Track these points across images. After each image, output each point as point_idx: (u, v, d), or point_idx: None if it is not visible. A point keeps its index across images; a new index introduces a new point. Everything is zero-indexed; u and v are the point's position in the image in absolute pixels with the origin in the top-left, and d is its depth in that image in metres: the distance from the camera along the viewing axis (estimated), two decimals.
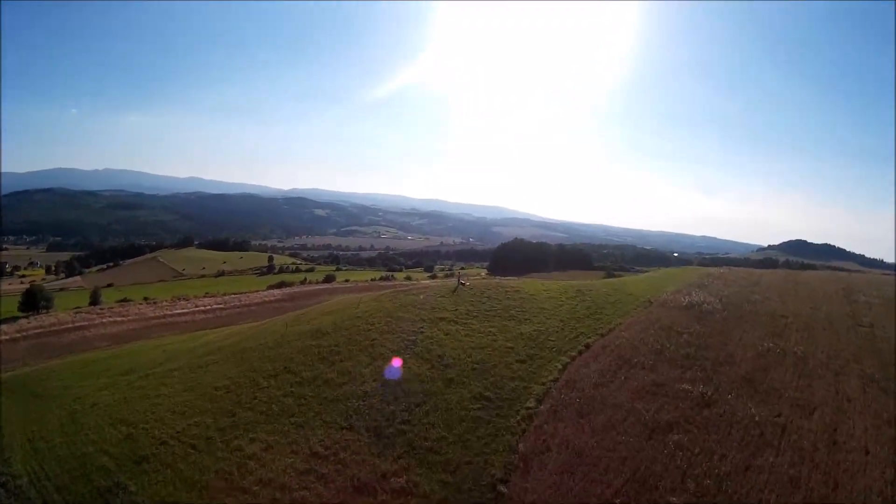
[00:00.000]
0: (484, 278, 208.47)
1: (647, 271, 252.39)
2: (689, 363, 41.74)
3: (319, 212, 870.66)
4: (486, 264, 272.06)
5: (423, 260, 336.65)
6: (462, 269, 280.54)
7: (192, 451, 34.59)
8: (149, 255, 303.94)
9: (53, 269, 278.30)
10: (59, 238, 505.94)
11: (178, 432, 37.46)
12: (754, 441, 31.49)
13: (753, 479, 28.20)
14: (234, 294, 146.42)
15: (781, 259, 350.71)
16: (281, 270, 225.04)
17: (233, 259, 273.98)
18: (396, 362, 42.18)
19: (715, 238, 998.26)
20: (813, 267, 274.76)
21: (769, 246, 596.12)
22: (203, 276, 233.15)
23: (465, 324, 48.88)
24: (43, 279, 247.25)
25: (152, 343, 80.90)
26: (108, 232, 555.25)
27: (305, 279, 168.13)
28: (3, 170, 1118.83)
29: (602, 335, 47.14)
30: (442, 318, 50.31)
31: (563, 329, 47.91)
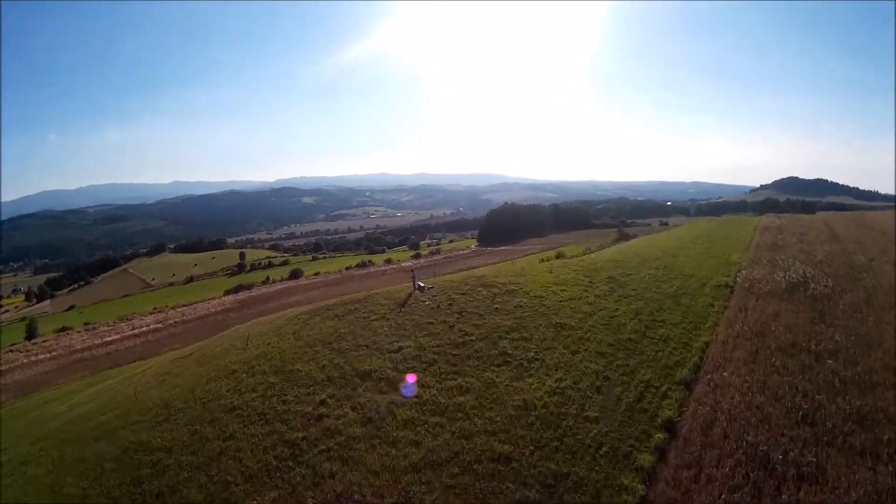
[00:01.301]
0: (473, 250, 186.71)
1: (648, 224, 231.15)
2: (872, 443, 19.02)
3: (307, 200, 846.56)
4: (476, 233, 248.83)
5: (413, 235, 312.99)
6: (452, 241, 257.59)
7: None
8: (120, 268, 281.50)
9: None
10: (46, 260, 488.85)
11: None
12: None
13: None
14: (185, 306, 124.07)
15: (782, 198, 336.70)
16: (252, 268, 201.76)
17: (205, 261, 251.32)
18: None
19: (705, 183, 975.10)
20: (812, 205, 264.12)
21: (761, 186, 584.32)
22: (172, 283, 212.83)
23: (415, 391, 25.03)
24: (16, 307, 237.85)
25: (37, 400, 61.60)
26: (96, 247, 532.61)
27: (268, 278, 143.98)
28: None
29: (686, 385, 23.34)
30: (369, 375, 26.44)
31: (611, 378, 23.95)
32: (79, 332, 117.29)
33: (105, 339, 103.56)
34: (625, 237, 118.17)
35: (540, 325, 29.95)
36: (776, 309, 32.05)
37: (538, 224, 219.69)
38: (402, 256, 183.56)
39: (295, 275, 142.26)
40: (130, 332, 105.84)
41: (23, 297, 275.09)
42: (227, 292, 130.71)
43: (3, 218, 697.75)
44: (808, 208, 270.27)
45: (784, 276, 38.70)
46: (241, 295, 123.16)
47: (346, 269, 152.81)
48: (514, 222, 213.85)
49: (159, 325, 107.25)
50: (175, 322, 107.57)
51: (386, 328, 31.40)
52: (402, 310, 34.45)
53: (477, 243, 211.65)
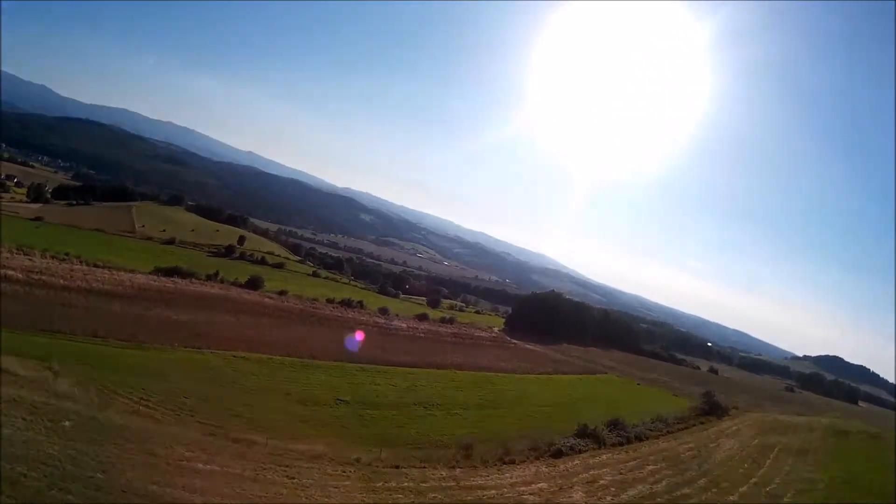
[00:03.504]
0: (494, 335, 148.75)
1: (698, 368, 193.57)
2: None
3: (364, 216, 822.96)
4: (510, 311, 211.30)
5: (445, 289, 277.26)
6: (480, 311, 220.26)
7: None
8: (126, 204, 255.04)
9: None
10: (93, 171, 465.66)
11: None
12: None
13: None
14: (97, 266, 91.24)
15: (828, 377, 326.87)
16: (242, 256, 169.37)
17: (206, 230, 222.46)
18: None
19: (748, 335, 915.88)
20: (855, 392, 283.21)
21: (804, 356, 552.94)
22: (151, 238, 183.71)
23: None
24: (12, 198, 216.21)
25: None
26: (143, 180, 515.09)
27: (217, 273, 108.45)
28: (68, 95, 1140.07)
29: None
30: None
31: None
32: None
33: None
34: (714, 407, 78.97)
35: None
36: None
37: (580, 327, 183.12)
38: (408, 311, 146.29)
39: (251, 284, 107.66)
40: None
41: (25, 191, 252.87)
42: (157, 271, 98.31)
43: (75, 116, 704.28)
44: (852, 395, 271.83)
45: None
46: (159, 282, 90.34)
47: (328, 300, 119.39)
48: (553, 315, 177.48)
49: (21, 277, 75.75)
50: (45, 283, 75.84)
51: None
52: None
53: (503, 325, 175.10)
